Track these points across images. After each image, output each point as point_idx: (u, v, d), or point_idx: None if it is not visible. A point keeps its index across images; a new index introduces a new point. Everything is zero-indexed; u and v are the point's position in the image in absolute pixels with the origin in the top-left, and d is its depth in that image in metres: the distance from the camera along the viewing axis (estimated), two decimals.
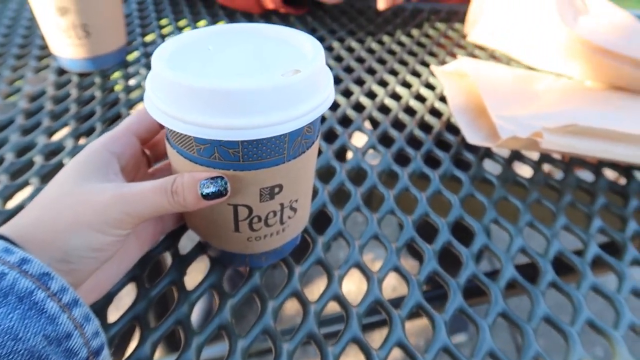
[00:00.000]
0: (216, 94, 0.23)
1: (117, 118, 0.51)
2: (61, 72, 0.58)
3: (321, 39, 0.69)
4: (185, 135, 0.26)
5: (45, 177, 0.42)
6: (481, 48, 0.65)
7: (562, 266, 0.36)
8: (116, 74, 0.58)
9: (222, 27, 0.30)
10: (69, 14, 0.51)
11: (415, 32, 0.72)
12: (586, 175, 0.45)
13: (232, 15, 0.75)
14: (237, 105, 0.24)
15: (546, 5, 0.50)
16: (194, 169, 0.27)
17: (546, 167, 0.46)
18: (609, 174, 0.45)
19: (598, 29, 0.51)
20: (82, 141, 0.47)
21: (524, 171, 0.46)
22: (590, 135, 0.38)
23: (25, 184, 0.41)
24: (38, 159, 0.44)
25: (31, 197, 0.39)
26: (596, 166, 0.45)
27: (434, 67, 0.55)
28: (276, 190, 0.28)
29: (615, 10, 0.59)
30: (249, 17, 0.74)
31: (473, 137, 0.45)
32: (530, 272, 0.36)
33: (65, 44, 0.54)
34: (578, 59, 0.51)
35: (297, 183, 0.29)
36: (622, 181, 0.44)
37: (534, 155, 0.46)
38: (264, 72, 0.26)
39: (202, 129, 0.24)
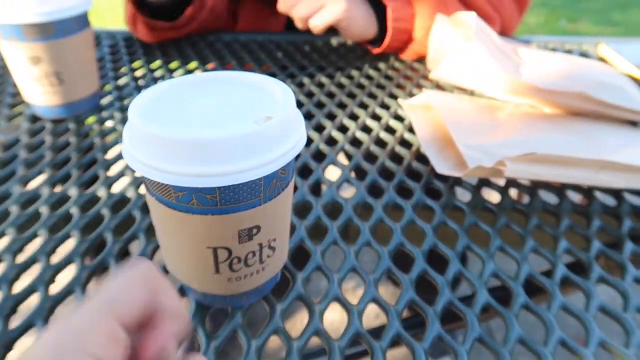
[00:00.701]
0: (191, 145, 0.25)
1: (93, 163, 0.51)
2: (35, 119, 0.59)
3: (292, 76, 0.71)
4: (164, 184, 0.26)
5: (22, 227, 0.42)
6: None
7: (533, 288, 0.38)
8: (90, 119, 0.59)
9: (196, 76, 0.32)
10: (42, 64, 0.52)
11: (382, 65, 0.75)
12: (551, 198, 0.47)
13: (204, 57, 0.77)
14: (211, 154, 0.25)
15: (486, 63, 0.54)
16: (174, 215, 0.28)
17: (513, 192, 0.48)
18: (573, 195, 0.47)
19: (540, 75, 0.55)
20: (58, 189, 0.47)
21: (493, 197, 0.48)
22: (550, 162, 0.40)
23: (2, 234, 0.41)
24: (14, 209, 0.44)
25: (8, 249, 0.39)
26: (560, 189, 0.48)
27: (401, 101, 0.58)
28: (254, 231, 0.29)
29: (550, 56, 0.63)
30: (219, 58, 0.76)
31: (442, 167, 0.47)
32: (504, 294, 0.37)
33: (39, 93, 0.55)
34: (530, 99, 0.55)
35: (274, 223, 0.30)
36: (585, 202, 0.47)
37: (501, 181, 0.48)
38: (238, 119, 0.27)
39: (178, 177, 0.25)
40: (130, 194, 0.46)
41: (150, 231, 0.41)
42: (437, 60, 0.66)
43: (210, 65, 0.74)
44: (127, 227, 0.42)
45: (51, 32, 0.51)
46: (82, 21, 0.54)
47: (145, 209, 0.44)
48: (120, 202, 0.45)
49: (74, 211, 0.44)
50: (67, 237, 0.41)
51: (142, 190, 0.46)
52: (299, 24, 0.69)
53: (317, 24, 0.67)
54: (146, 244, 0.40)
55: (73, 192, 0.46)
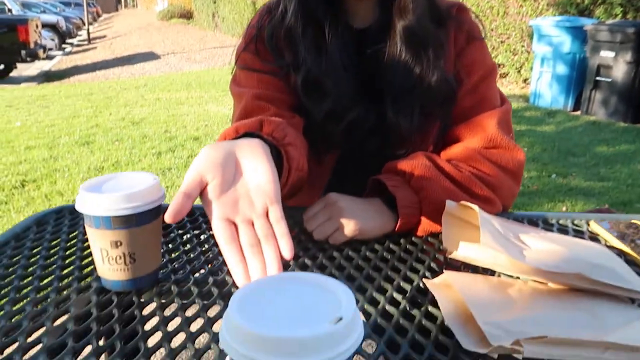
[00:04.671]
0: (282, 342, 0.33)
1: (155, 332, 0.58)
2: (101, 291, 0.67)
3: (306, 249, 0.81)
4: None
5: None
6: None
7: None
8: (150, 292, 0.67)
9: (274, 278, 0.41)
10: (122, 246, 0.62)
11: (402, 240, 0.84)
12: None
13: None
14: (297, 350, 0.33)
15: (495, 252, 0.65)
16: None
17: None
18: None
19: (541, 257, 0.65)
20: None
21: None
22: (560, 343, 0.47)
23: None
24: None
25: None
26: None
27: (425, 280, 0.66)
28: None
29: (547, 237, 0.74)
30: None
31: (466, 342, 0.53)
32: None
33: (113, 269, 0.64)
34: (535, 277, 0.64)
35: None
36: None
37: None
38: (313, 319, 0.35)
39: None
40: None
41: None
42: (451, 241, 0.76)
43: None
44: None
45: (133, 221, 0.62)
46: (157, 211, 0.65)
47: None
48: None
49: None
50: None
51: None
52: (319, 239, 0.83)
53: (335, 242, 0.82)
54: None
55: None
